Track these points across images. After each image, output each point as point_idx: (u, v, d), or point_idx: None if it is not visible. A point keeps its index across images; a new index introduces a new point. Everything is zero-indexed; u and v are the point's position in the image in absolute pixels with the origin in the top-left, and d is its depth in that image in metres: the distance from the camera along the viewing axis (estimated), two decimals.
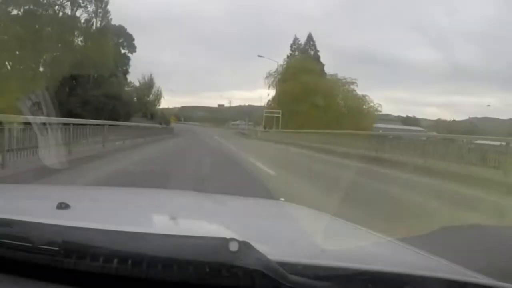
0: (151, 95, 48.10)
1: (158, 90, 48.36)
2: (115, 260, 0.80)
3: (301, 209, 1.92)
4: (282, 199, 2.48)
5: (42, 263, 0.83)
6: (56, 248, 0.82)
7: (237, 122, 61.03)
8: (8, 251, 0.84)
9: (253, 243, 0.80)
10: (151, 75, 48.59)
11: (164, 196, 2.03)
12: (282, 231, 1.36)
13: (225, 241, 0.78)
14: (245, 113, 60.46)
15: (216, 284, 0.80)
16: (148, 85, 48.04)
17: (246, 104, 70.33)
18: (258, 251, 0.79)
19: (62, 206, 1.15)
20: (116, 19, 34.73)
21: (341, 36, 65.42)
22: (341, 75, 42.41)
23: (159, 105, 47.34)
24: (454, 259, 1.11)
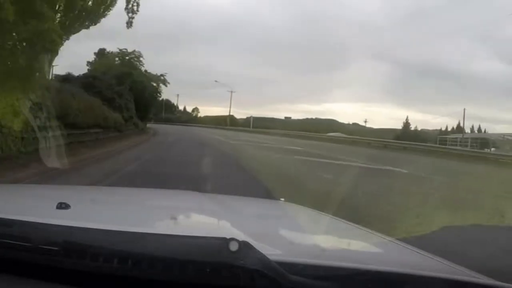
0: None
1: None
2: (115, 260, 0.80)
3: (301, 209, 1.92)
4: (282, 199, 2.47)
5: (42, 263, 0.83)
6: (56, 248, 0.82)
7: (336, 134, 46.30)
8: (8, 251, 0.84)
9: (253, 243, 0.80)
10: None
11: (164, 196, 2.03)
12: (282, 231, 1.36)
13: (225, 241, 0.78)
14: (313, 125, 58.78)
15: (216, 284, 0.80)
16: None
17: (313, 117, 70.71)
18: (258, 251, 0.79)
19: (62, 206, 1.15)
20: (177, 27, 28.00)
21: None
22: None
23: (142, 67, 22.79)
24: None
